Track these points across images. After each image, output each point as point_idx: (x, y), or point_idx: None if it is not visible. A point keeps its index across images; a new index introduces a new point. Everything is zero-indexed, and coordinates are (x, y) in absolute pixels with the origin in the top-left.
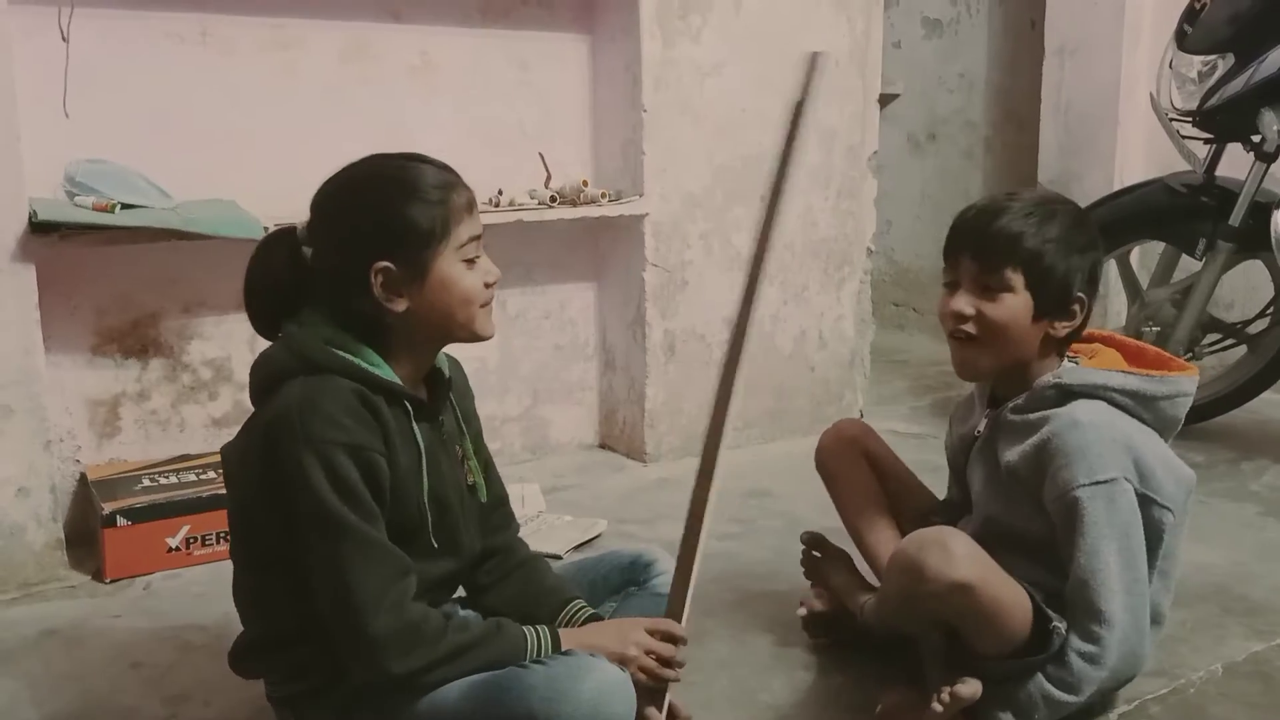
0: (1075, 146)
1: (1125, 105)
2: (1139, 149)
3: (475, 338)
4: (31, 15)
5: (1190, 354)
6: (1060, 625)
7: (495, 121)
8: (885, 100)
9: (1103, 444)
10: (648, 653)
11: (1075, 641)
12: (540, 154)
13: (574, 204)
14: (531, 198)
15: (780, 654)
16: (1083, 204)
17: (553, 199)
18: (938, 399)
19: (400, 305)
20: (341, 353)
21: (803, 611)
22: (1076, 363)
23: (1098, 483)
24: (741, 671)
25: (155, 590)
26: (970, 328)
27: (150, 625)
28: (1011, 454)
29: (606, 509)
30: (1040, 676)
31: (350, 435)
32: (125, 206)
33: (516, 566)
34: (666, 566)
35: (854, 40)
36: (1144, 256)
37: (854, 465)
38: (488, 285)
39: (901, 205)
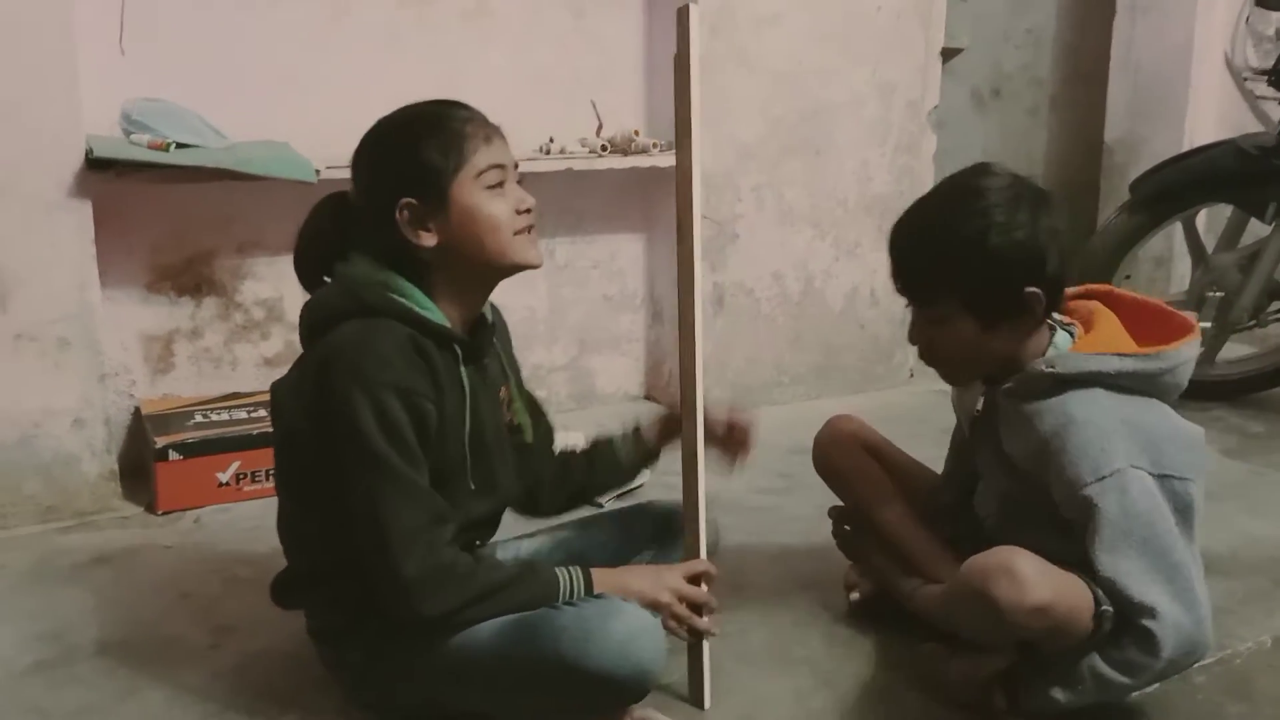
0: (1144, 107)
1: (1198, 64)
2: (1210, 110)
3: (517, 266)
4: None
5: (1255, 321)
6: (1109, 609)
7: (549, 69)
8: (949, 54)
9: (1103, 438)
10: (681, 600)
11: (1129, 631)
12: (592, 102)
13: (625, 153)
14: (583, 146)
15: (818, 609)
16: (1151, 165)
17: (603, 148)
18: None
19: (430, 239)
20: (395, 296)
21: (855, 597)
22: (1071, 333)
23: (1103, 478)
24: (779, 625)
25: (205, 523)
26: (928, 357)
27: (199, 557)
28: (1011, 446)
29: None
30: (1096, 656)
31: (401, 378)
32: (180, 145)
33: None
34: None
35: None
36: (1211, 220)
37: (858, 459)
38: (520, 211)
39: (962, 162)
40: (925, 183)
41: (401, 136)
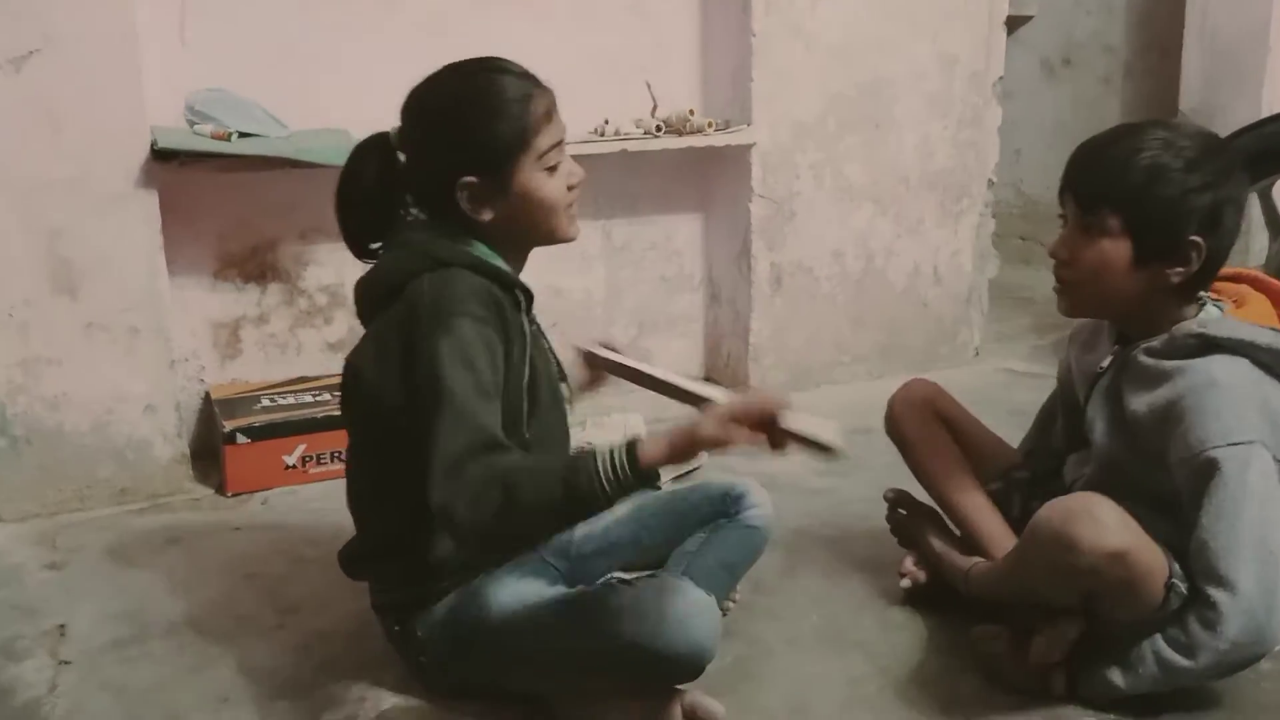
0: (1221, 75)
1: (1276, 30)
2: None
3: (559, 240)
4: None
5: None
6: (1181, 584)
7: (604, 49)
8: (1017, 22)
9: (1241, 405)
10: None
11: (1196, 606)
12: (646, 83)
13: (680, 133)
14: (637, 127)
15: (873, 592)
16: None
17: (658, 128)
18: (1061, 338)
19: (486, 215)
20: (464, 248)
21: (906, 584)
22: (1221, 309)
23: (1234, 444)
24: (833, 608)
25: (272, 505)
26: (1066, 272)
27: (266, 538)
28: (1138, 403)
29: None
30: (1157, 636)
31: (479, 313)
32: (242, 135)
33: None
34: (759, 499)
35: None
36: None
37: (930, 428)
38: (570, 188)
39: (1032, 134)
40: (990, 157)
41: (463, 114)
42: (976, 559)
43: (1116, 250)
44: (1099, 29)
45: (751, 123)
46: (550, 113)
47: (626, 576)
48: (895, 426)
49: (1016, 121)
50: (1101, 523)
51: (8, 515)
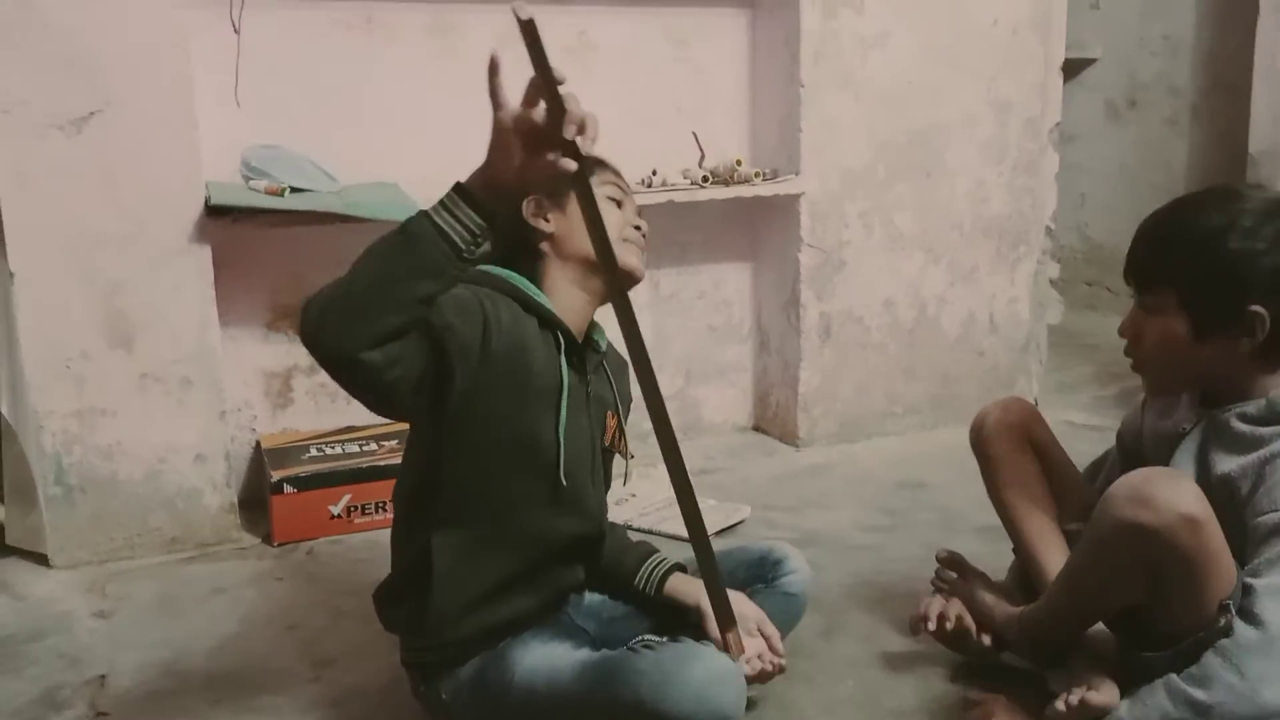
0: None
1: None
2: None
3: (617, 273)
4: (204, 9)
5: None
6: (1233, 604)
7: (652, 100)
8: (1080, 65)
9: None
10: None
11: (1221, 641)
12: (694, 133)
13: (727, 183)
14: (685, 177)
15: (915, 658)
16: None
17: (705, 179)
18: (1125, 388)
19: (548, 227)
20: (504, 275)
21: (931, 625)
22: None
23: None
24: (870, 674)
25: (317, 555)
26: (1132, 352)
27: (309, 589)
28: (1230, 465)
29: (754, 494)
30: (1173, 675)
31: (484, 293)
32: (294, 190)
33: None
34: (797, 565)
35: (1035, 5)
36: None
37: (1019, 451)
38: (633, 225)
39: (1096, 177)
40: (1047, 203)
41: None
42: (1026, 609)
43: (1175, 327)
44: (1164, 70)
45: (800, 172)
46: (617, 181)
47: (657, 640)
48: (984, 443)
49: (1081, 165)
50: (1180, 486)
51: (61, 563)
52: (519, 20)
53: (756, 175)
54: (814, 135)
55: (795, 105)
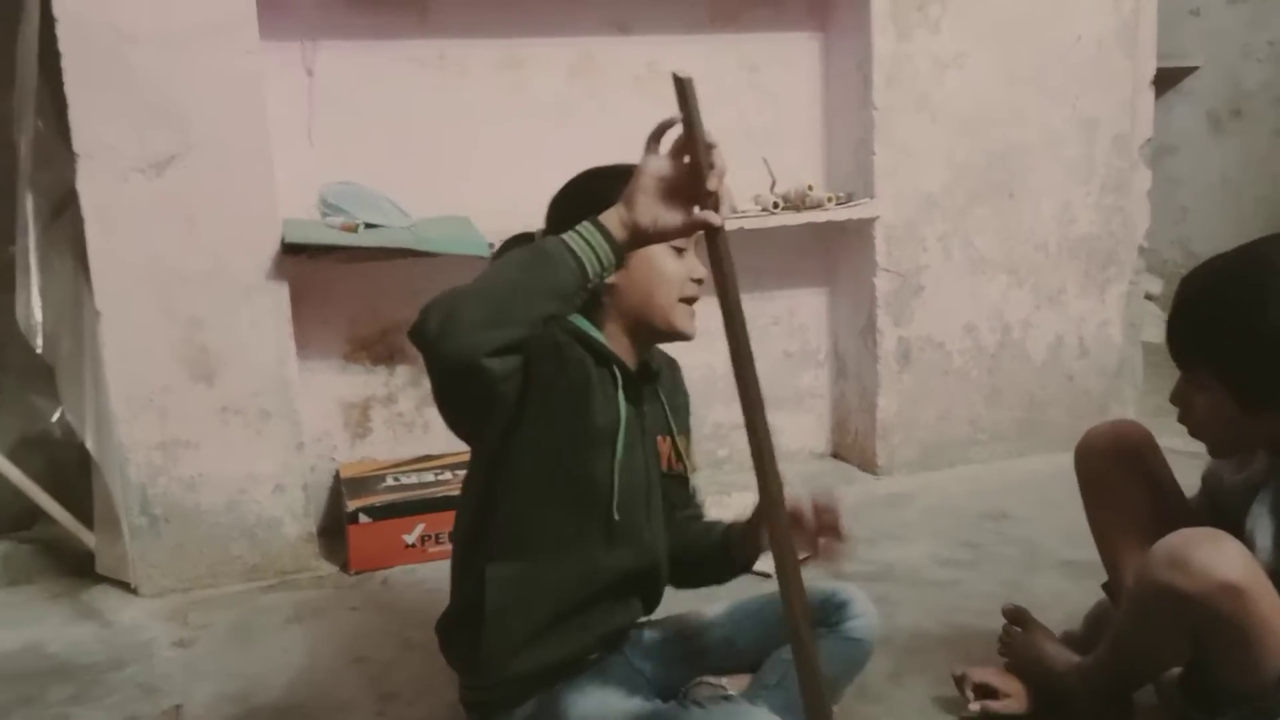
0: None
1: None
2: None
3: (673, 331)
4: (279, 53)
5: None
6: None
7: (724, 127)
8: (1180, 74)
9: None
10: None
11: None
12: (764, 159)
13: (798, 209)
14: (756, 204)
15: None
16: None
17: (775, 205)
18: None
19: (609, 277)
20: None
21: (975, 708)
22: None
23: None
24: None
25: (391, 584)
26: (1184, 422)
27: (380, 619)
28: None
29: None
30: None
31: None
32: (368, 226)
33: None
34: (862, 609)
35: (1121, 19)
36: None
37: (1129, 479)
38: (693, 279)
39: (1199, 191)
40: (1139, 222)
41: (599, 184)
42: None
43: (1221, 402)
44: (1271, 78)
45: (874, 196)
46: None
47: (715, 681)
48: (1090, 466)
49: (1181, 178)
50: (1222, 551)
51: (148, 590)
52: (678, 80)
53: (829, 200)
54: (888, 159)
55: (869, 129)
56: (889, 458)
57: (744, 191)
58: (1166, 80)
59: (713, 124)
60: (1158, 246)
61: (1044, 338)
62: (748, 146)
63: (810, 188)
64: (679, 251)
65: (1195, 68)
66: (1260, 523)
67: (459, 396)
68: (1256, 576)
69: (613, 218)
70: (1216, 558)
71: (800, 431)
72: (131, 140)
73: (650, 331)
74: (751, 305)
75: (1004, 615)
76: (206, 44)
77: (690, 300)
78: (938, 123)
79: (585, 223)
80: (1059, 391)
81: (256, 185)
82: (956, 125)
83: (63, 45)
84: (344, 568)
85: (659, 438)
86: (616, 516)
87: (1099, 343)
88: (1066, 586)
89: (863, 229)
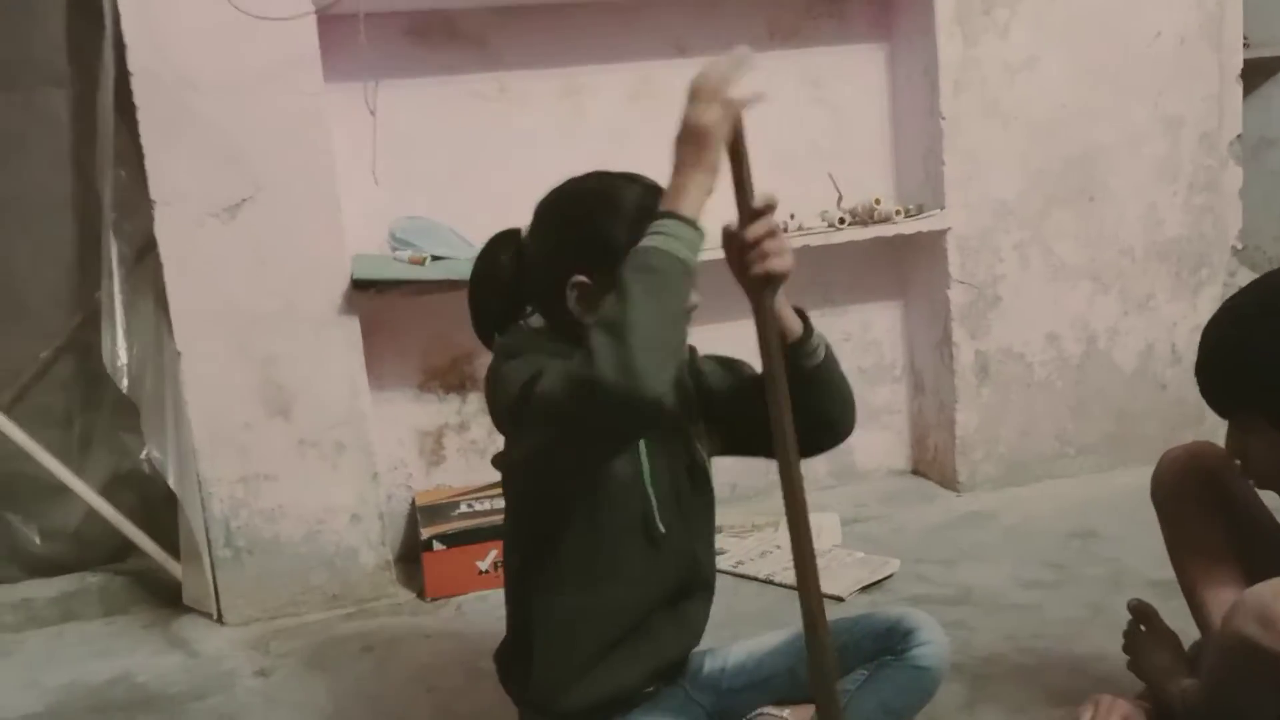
0: None
1: None
2: None
3: None
4: (343, 93)
5: None
6: None
7: (787, 144)
8: (1279, 63)
9: None
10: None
11: None
12: (830, 174)
13: (865, 223)
14: (822, 220)
15: None
16: None
17: (842, 220)
18: None
19: (592, 319)
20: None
21: None
22: None
23: None
24: None
25: (465, 611)
26: (1245, 470)
27: (452, 647)
28: None
29: (907, 545)
30: None
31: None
32: (436, 258)
33: None
34: (930, 636)
35: (1204, 12)
36: None
37: (1205, 507)
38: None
39: None
40: (1231, 222)
41: (584, 211)
42: (1192, 681)
43: (1275, 443)
44: None
45: (944, 207)
46: None
47: (777, 713)
48: (1163, 498)
49: None
50: None
51: (233, 620)
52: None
53: (897, 213)
54: (958, 168)
55: (937, 138)
56: (970, 474)
57: (811, 208)
58: (1265, 70)
59: (778, 140)
60: (1261, 244)
61: (1133, 345)
62: (814, 162)
63: (878, 201)
64: None
65: None
66: None
67: (642, 427)
68: None
69: (679, 203)
70: None
71: (878, 449)
72: (205, 186)
73: None
74: (822, 321)
75: (1129, 611)
76: (272, 89)
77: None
78: (1009, 129)
79: (664, 220)
80: (1151, 401)
81: (325, 224)
82: (1029, 130)
83: (138, 98)
84: (420, 595)
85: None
86: (662, 529)
87: (1193, 349)
88: (1158, 608)
89: (934, 240)
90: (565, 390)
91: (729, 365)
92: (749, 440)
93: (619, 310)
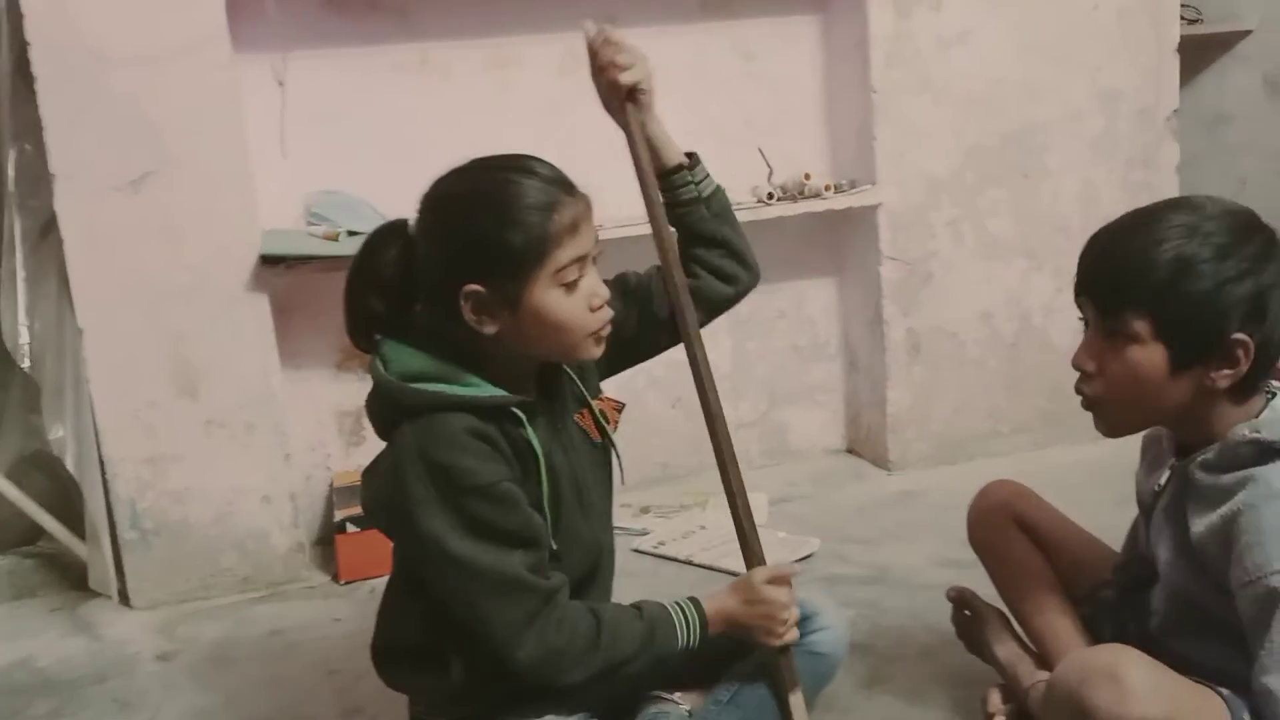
0: None
1: None
2: None
3: (576, 362)
4: (256, 64)
5: None
6: None
7: (720, 118)
8: (1233, 38)
9: None
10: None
11: None
12: (760, 149)
13: (795, 199)
14: (753, 195)
15: (963, 718)
16: None
17: (770, 195)
18: None
19: (491, 328)
20: (436, 387)
21: None
22: None
23: None
24: None
25: (378, 594)
26: (1092, 387)
27: (359, 630)
28: (1199, 524)
29: (833, 524)
30: None
31: (477, 476)
32: (351, 234)
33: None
34: (829, 622)
35: None
36: None
37: (1006, 536)
38: (594, 309)
39: (1258, 160)
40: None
41: (476, 217)
42: (1041, 676)
43: (1149, 358)
44: None
45: (876, 182)
46: (577, 224)
47: (668, 696)
48: (973, 537)
49: (1239, 147)
50: (1125, 688)
51: (139, 603)
52: None
53: (827, 188)
54: (890, 143)
55: (869, 113)
56: (902, 453)
57: (742, 183)
58: (1219, 45)
59: (710, 114)
60: None
61: (1067, 323)
62: (747, 135)
63: (807, 176)
64: (572, 285)
65: (1249, 31)
66: (1163, 536)
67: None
68: (1171, 695)
69: (717, 623)
70: (1120, 697)
71: (813, 428)
72: (107, 159)
73: (549, 361)
74: (755, 299)
75: (948, 600)
76: (178, 59)
77: (600, 330)
78: (942, 103)
79: (692, 609)
80: None
81: (235, 199)
82: (964, 105)
83: (36, 68)
84: (335, 578)
85: (577, 415)
86: (554, 546)
87: None
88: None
89: (866, 216)
90: (507, 635)
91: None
92: (638, 339)
93: (611, 666)
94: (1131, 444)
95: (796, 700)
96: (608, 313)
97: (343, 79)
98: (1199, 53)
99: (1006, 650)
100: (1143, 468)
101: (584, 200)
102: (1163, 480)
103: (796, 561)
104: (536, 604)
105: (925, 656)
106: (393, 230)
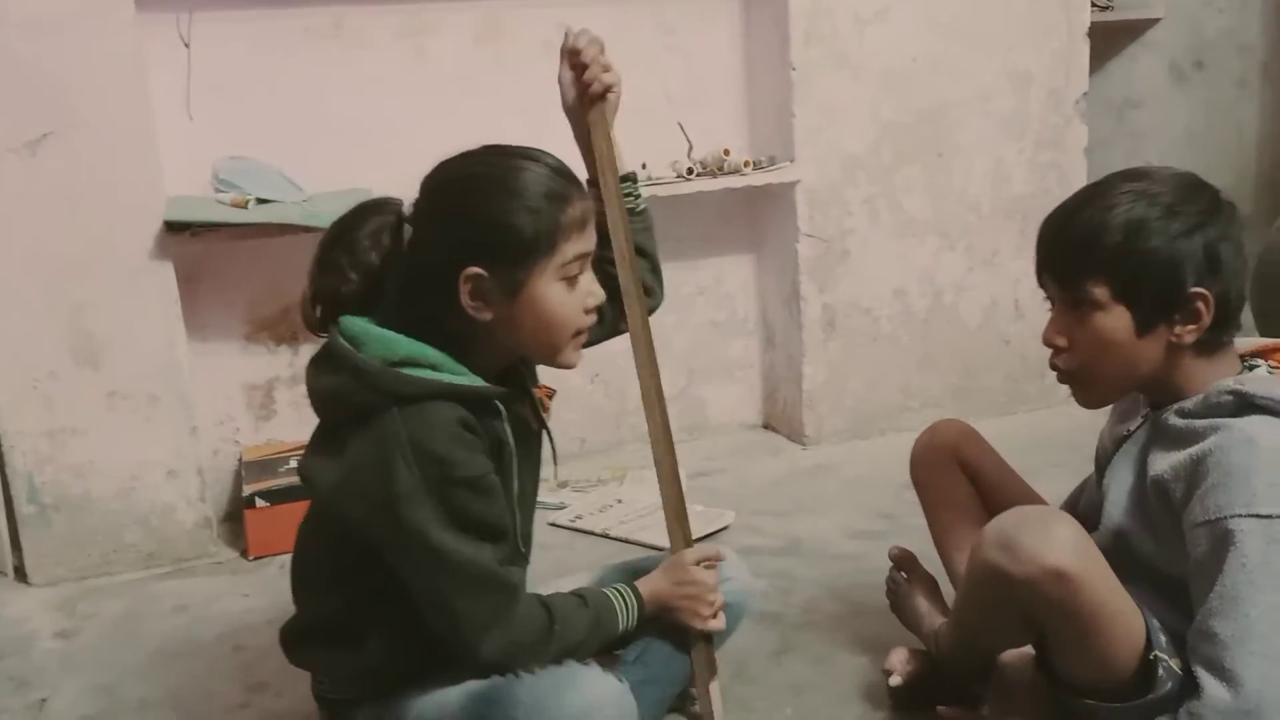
0: None
1: None
2: None
3: (554, 365)
4: (162, 25)
5: None
6: (1170, 661)
7: (639, 92)
8: (1143, 25)
9: (1277, 472)
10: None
11: (1191, 702)
12: (679, 124)
13: (714, 175)
14: (673, 170)
15: (863, 684)
16: None
17: (690, 170)
18: None
19: (486, 315)
20: (424, 373)
21: (895, 681)
22: (1271, 371)
23: (1259, 516)
24: (813, 700)
25: (287, 570)
26: (1065, 360)
27: (267, 606)
28: (1162, 463)
29: (748, 497)
30: None
31: (469, 468)
32: (261, 201)
33: None
34: (732, 572)
35: None
36: None
37: (946, 475)
38: (587, 311)
39: (1164, 144)
40: (1075, 180)
41: (486, 199)
42: (945, 622)
43: (1114, 322)
44: (1232, 27)
45: (794, 159)
46: (585, 220)
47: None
48: (914, 471)
49: (1146, 132)
50: (1052, 535)
51: (40, 580)
52: None
53: (746, 164)
54: (809, 120)
55: (788, 90)
56: (817, 428)
57: (664, 158)
58: (1129, 31)
59: (629, 88)
60: None
61: (978, 301)
62: (667, 110)
63: (727, 152)
64: (572, 280)
65: (1157, 19)
66: (1118, 476)
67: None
68: (1088, 562)
69: (652, 604)
70: (1046, 541)
71: (731, 403)
72: (2, 119)
73: (526, 358)
74: (674, 275)
75: (889, 559)
76: (81, 19)
77: (584, 332)
78: (860, 81)
79: (630, 594)
80: (994, 356)
81: (139, 164)
82: (880, 83)
83: None
84: (244, 554)
85: (526, 404)
86: (522, 548)
87: (1036, 304)
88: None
89: (784, 193)
90: (471, 628)
91: None
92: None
93: (566, 651)
94: (1040, 419)
95: (715, 690)
96: (594, 317)
97: (252, 42)
98: (1109, 39)
99: (922, 605)
100: (1112, 419)
101: (590, 199)
102: (1132, 427)
103: (711, 534)
104: (504, 600)
105: (836, 624)
106: (378, 207)
